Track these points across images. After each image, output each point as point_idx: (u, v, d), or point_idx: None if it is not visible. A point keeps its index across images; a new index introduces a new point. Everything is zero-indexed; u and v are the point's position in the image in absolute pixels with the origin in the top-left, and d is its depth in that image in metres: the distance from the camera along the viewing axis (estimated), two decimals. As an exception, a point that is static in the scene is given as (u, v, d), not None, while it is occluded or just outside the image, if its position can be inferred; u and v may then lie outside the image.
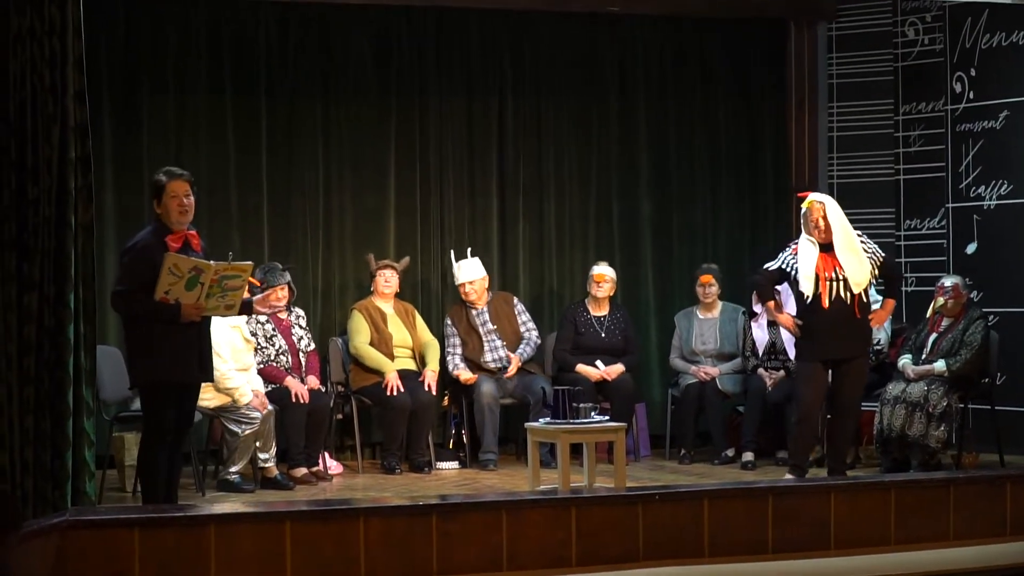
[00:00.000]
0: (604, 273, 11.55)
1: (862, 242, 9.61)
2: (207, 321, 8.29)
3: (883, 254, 9.73)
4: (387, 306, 11.16)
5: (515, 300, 11.61)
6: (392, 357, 10.98)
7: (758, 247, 12.63)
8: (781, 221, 12.69)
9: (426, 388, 10.94)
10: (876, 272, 9.63)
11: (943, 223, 11.82)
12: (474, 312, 11.36)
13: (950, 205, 11.73)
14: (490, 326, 11.36)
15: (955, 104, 11.70)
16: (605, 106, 12.40)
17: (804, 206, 9.63)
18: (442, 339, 11.43)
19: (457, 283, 11.39)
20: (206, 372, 8.38)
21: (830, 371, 9.70)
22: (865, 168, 12.39)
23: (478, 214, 12.11)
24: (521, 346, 11.41)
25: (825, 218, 9.51)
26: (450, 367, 11.31)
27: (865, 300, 9.56)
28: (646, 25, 12.40)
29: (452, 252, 11.57)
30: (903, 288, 12.03)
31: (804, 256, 9.60)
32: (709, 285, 11.57)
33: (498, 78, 12.16)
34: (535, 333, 11.51)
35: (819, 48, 12.54)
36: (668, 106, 12.54)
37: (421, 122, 11.95)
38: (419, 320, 11.30)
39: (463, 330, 11.35)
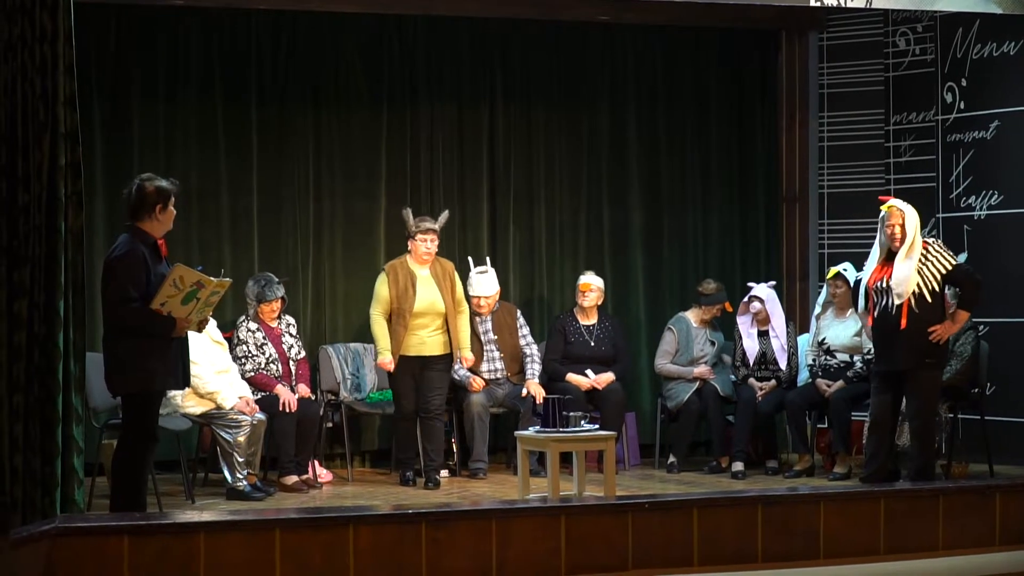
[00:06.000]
0: (590, 282, 11.54)
1: (932, 250, 9.47)
2: None
3: (954, 263, 9.53)
4: (422, 269, 10.63)
5: (518, 313, 11.53)
6: (406, 328, 10.49)
7: (749, 256, 12.67)
8: (772, 230, 12.71)
9: (463, 368, 10.93)
10: (936, 281, 9.41)
11: (933, 233, 11.82)
12: (478, 319, 11.31)
13: (940, 215, 11.75)
14: (491, 336, 11.33)
15: (946, 114, 11.72)
16: (596, 114, 12.41)
17: (884, 209, 9.55)
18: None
19: (471, 293, 11.25)
20: (188, 379, 8.42)
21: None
22: (855, 178, 12.40)
23: (468, 221, 12.10)
24: (529, 366, 11.36)
25: (903, 226, 9.46)
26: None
27: (916, 311, 9.36)
28: (637, 34, 12.41)
29: (470, 259, 11.48)
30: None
31: (868, 265, 9.68)
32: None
33: (489, 86, 12.17)
34: (536, 348, 11.46)
35: (810, 58, 12.57)
36: (659, 115, 12.55)
37: (412, 129, 11.95)
38: (458, 284, 10.79)
39: None
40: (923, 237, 9.59)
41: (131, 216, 8.08)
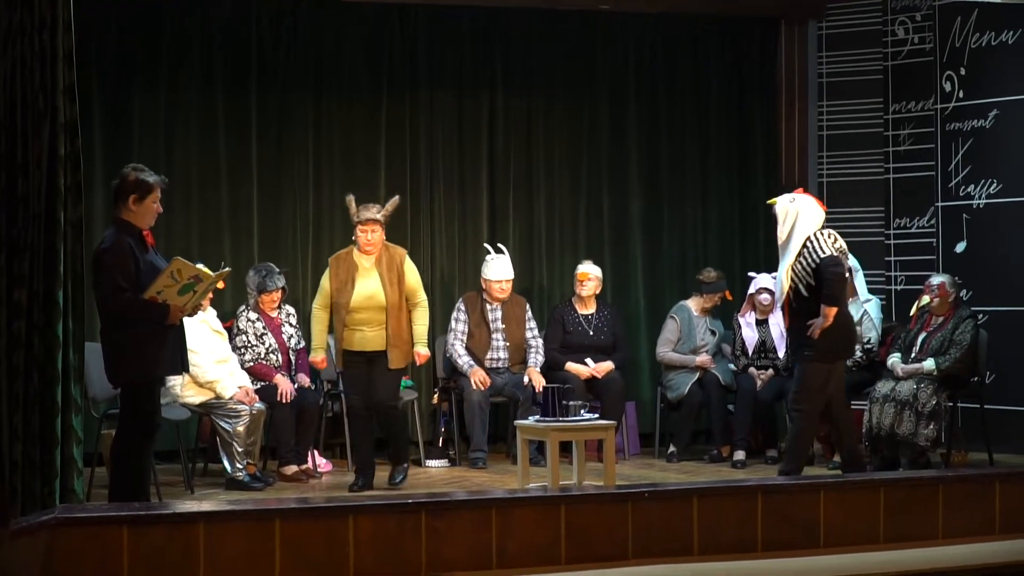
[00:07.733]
0: (587, 271, 11.53)
1: (810, 244, 9.21)
2: None
3: (822, 256, 9.16)
4: (367, 260, 9.89)
5: (527, 306, 11.51)
6: (343, 324, 9.83)
7: (748, 245, 12.66)
8: (771, 219, 12.67)
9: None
10: (809, 275, 9.19)
11: (932, 222, 11.83)
12: (489, 307, 11.32)
13: (939, 204, 11.74)
14: (500, 325, 11.33)
15: (945, 103, 11.71)
16: (596, 104, 12.40)
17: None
18: (445, 323, 11.46)
19: (486, 277, 11.29)
20: (187, 365, 8.46)
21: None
22: (855, 167, 12.41)
23: (468, 210, 12.11)
24: (532, 356, 11.36)
25: (780, 228, 9.42)
26: (452, 354, 11.23)
27: (795, 306, 9.25)
28: (637, 23, 12.40)
29: (487, 245, 11.50)
30: (892, 287, 12.06)
31: None
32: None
33: (489, 75, 12.16)
34: (540, 340, 11.45)
35: (809, 47, 12.57)
36: (659, 104, 12.54)
37: (412, 118, 11.94)
38: (410, 275, 9.96)
39: (474, 321, 11.25)
40: (823, 231, 9.30)
41: (115, 206, 8.09)
